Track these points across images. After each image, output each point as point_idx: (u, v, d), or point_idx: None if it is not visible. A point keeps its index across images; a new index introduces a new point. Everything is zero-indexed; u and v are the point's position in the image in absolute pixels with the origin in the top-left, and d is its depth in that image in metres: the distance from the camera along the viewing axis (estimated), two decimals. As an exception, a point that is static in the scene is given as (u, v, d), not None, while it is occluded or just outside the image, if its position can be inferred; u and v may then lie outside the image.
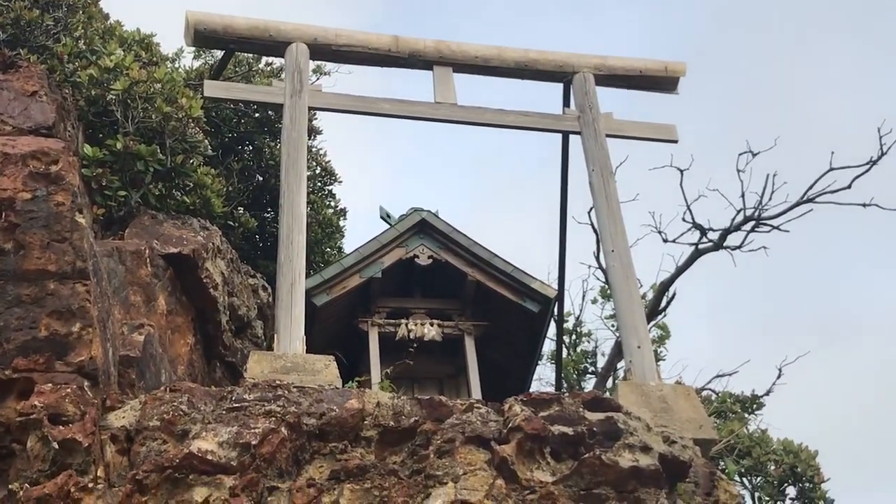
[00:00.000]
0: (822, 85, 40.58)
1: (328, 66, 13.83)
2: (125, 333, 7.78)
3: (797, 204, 17.07)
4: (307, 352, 8.45)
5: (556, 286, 12.95)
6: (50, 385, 6.30)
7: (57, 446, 6.14)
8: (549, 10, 42.95)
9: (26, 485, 6.05)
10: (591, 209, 15.85)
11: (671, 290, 17.93)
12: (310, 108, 10.26)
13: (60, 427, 6.20)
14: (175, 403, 6.59)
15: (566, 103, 11.01)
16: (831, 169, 16.79)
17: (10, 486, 6.03)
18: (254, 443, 6.41)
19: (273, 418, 6.57)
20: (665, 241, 17.92)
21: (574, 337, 20.07)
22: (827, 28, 41.33)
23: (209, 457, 6.31)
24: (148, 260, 9.02)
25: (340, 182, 14.89)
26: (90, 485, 6.15)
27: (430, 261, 12.91)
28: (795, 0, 41.48)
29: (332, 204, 14.85)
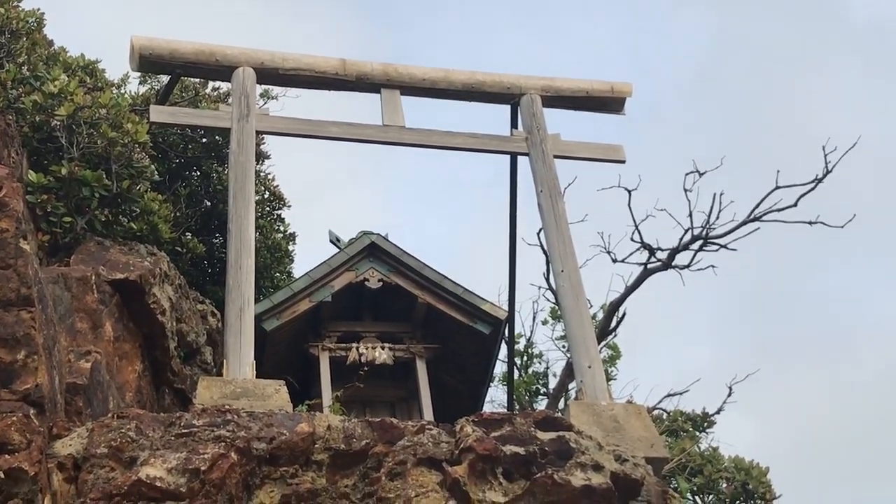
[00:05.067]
0: (770, 107, 41.10)
1: (276, 90, 13.79)
2: (72, 361, 7.68)
3: (744, 223, 17.16)
4: (257, 377, 8.38)
5: (506, 308, 12.97)
6: (-5, 414, 6.22)
7: (2, 475, 6.04)
8: (509, 31, 43.21)
9: (-30, 516, 5.97)
10: (540, 230, 15.86)
11: (621, 309, 18.01)
12: (257, 133, 10.19)
13: (6, 456, 6.10)
14: (123, 430, 6.52)
15: (514, 125, 11.02)
16: (777, 187, 16.94)
17: (-47, 518, 5.94)
18: (203, 468, 6.34)
19: (222, 443, 6.51)
20: (614, 261, 17.96)
21: (525, 358, 20.14)
22: (778, 50, 41.88)
23: (158, 483, 6.24)
24: (94, 286, 8.93)
25: (289, 206, 14.86)
26: (37, 514, 6.07)
27: (381, 284, 12.90)
28: (747, 25, 42.05)
29: (282, 228, 14.80)
